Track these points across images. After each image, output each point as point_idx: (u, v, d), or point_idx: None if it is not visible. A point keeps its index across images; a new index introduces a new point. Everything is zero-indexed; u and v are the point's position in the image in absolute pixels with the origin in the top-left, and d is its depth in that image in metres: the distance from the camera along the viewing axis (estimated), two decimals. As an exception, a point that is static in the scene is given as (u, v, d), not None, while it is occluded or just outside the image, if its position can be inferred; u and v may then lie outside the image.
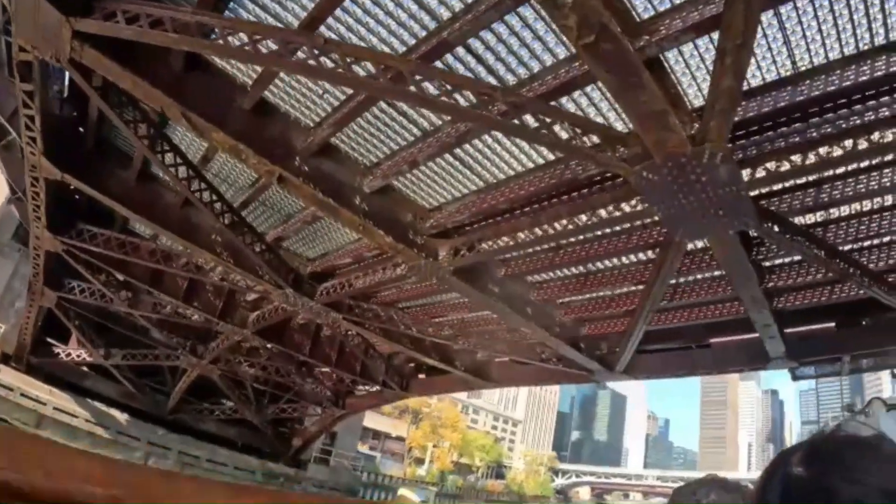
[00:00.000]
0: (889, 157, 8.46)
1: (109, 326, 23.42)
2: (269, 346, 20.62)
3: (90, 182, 12.47)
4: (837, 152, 6.98)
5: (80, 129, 12.77)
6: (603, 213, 8.73)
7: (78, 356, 24.40)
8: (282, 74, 9.45)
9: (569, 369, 15.45)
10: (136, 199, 13.10)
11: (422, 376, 22.38)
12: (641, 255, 11.67)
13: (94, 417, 24.23)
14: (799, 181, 9.19)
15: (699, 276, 12.18)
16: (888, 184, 8.70)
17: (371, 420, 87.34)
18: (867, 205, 9.93)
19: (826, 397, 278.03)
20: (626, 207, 8.43)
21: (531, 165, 9.86)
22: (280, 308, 16.50)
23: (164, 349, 23.43)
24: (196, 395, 26.78)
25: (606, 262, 12.18)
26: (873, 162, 8.53)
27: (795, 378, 15.61)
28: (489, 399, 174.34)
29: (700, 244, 11.03)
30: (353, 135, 10.36)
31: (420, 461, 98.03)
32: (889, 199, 9.80)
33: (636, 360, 15.08)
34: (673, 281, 12.27)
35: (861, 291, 11.47)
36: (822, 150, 7.05)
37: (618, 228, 10.68)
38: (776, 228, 8.50)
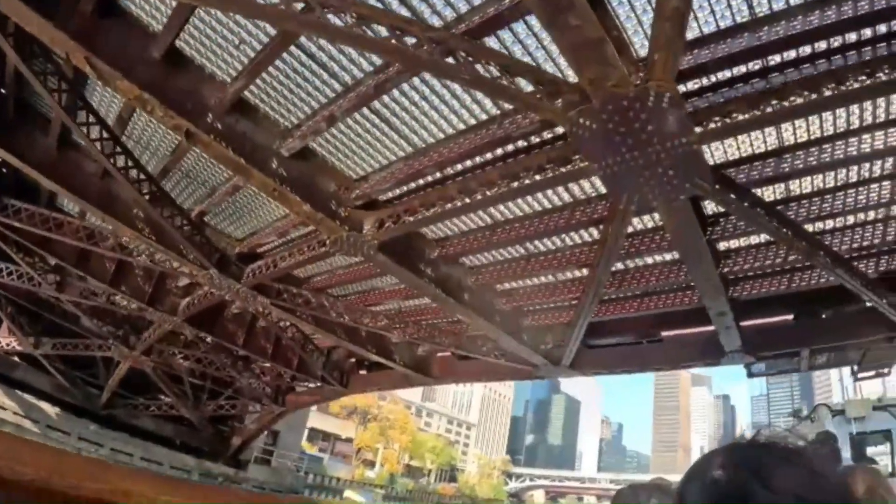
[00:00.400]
0: (854, 126, 7.74)
1: (42, 314, 21.79)
2: (202, 335, 19.22)
3: (10, 149, 11.24)
4: (799, 101, 6.00)
5: (1, 92, 11.60)
6: (539, 177, 7.65)
7: (7, 345, 22.62)
8: (197, 22, 8.46)
9: (513, 364, 14.47)
10: (56, 168, 11.81)
11: (363, 372, 21.24)
12: (585, 235, 10.64)
13: (22, 410, 22.46)
14: (758, 150, 8.42)
15: (649, 261, 11.27)
16: (854, 153, 7.99)
17: (320, 421, 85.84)
18: (830, 181, 9.09)
19: (777, 402, 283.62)
20: (564, 170, 7.36)
21: (462, 127, 8.76)
22: (209, 293, 15.14)
23: (95, 339, 21.63)
24: (131, 390, 25.08)
25: (548, 243, 11.14)
26: (838, 130, 7.82)
27: (751, 375, 14.97)
28: (443, 402, 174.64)
29: (650, 223, 10.10)
30: (272, 92, 9.26)
31: (371, 464, 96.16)
32: (853, 176, 8.95)
33: (584, 355, 14.22)
34: (621, 266, 11.42)
35: (822, 280, 10.86)
36: (784, 100, 6.10)
37: (559, 203, 9.83)
38: (733, 196, 7.51)
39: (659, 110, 5.92)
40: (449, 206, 8.62)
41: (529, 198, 9.86)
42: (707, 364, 13.53)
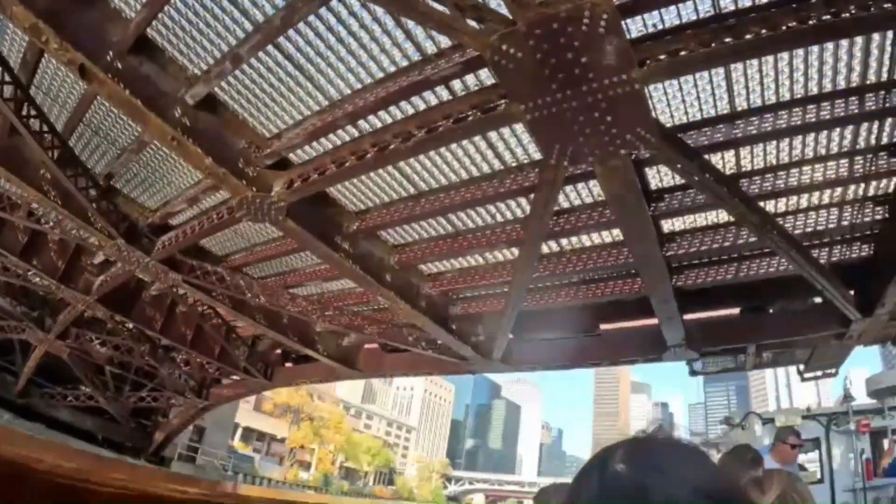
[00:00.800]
0: (813, 91, 7.07)
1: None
2: (123, 322, 17.75)
3: None
4: (754, 36, 5.17)
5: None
6: (459, 126, 6.63)
7: (-87, 326, 20.57)
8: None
9: (442, 357, 13.42)
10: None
11: (289, 365, 19.86)
12: (517, 209, 9.62)
13: (-70, 396, 20.72)
14: (708, 115, 7.59)
15: (586, 242, 10.38)
16: (812, 120, 7.25)
17: (255, 420, 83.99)
18: (784, 156, 8.32)
19: (714, 410, 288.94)
20: (486, 116, 6.34)
21: (380, 75, 7.65)
22: (122, 269, 13.73)
23: (11, 321, 19.77)
24: (50, 378, 23.18)
25: (477, 219, 10.11)
26: (795, 96, 7.15)
27: (693, 373, 14.52)
28: (383, 404, 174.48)
29: (588, 197, 9.19)
30: (180, 33, 8.10)
31: (307, 465, 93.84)
32: (809, 152, 8.21)
33: (516, 349, 13.34)
34: (556, 247, 10.55)
35: (771, 268, 10.17)
36: (738, 38, 5.26)
37: (487, 170, 8.85)
38: (681, 155, 6.58)
39: (595, 36, 4.96)
40: (361, 161, 7.57)
41: (456, 164, 8.89)
42: (648, 359, 12.69)
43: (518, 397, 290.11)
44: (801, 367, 14.12)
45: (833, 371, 14.14)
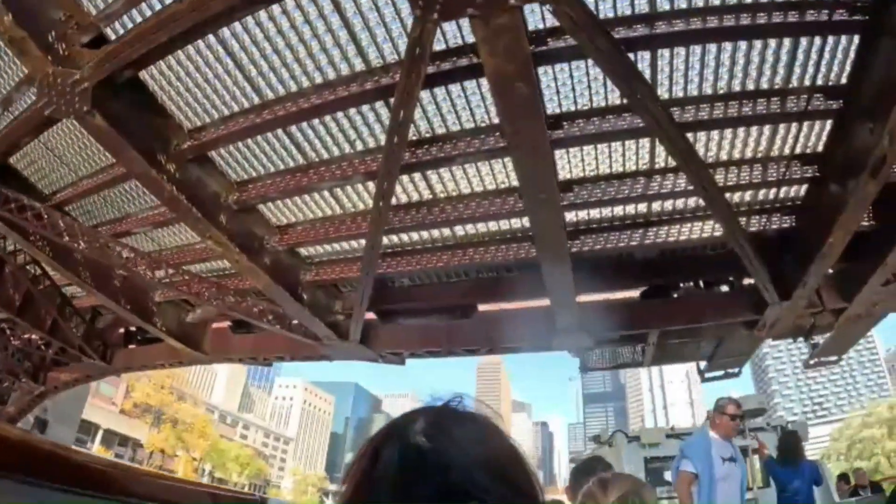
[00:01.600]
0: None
1: None
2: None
3: None
4: None
5: None
6: None
7: None
8: None
9: (294, 337, 11.18)
10: None
11: (133, 347, 16.74)
12: (375, 125, 7.55)
13: None
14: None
15: (465, 189, 8.51)
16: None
17: (116, 421, 78.20)
18: (709, 82, 6.84)
19: (593, 430, 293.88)
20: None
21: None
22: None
23: None
24: None
25: (331, 146, 8.01)
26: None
27: (585, 369, 13.82)
28: (261, 414, 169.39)
29: (469, 121, 7.29)
30: None
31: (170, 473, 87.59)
32: (736, 85, 6.85)
33: (378, 331, 11.49)
34: (428, 193, 8.57)
35: (682, 237, 8.98)
36: None
37: (346, 71, 6.83)
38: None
39: None
40: (180, 28, 5.66)
41: (309, 63, 6.81)
42: (534, 347, 11.06)
43: (399, 412, 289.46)
44: (704, 364, 13.08)
45: (737, 371, 13.22)
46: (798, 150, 7.61)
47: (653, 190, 7.88)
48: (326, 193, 8.86)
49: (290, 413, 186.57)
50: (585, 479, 3.85)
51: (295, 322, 10.63)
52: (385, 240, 9.10)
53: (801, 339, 11.14)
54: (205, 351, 13.80)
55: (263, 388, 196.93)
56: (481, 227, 9.06)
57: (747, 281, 9.85)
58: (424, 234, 9.45)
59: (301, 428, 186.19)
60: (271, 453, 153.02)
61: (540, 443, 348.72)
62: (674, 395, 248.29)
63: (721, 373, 13.27)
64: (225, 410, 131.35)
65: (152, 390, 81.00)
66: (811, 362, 12.10)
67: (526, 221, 8.45)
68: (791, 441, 10.79)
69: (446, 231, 9.31)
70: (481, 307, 10.94)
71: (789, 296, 8.41)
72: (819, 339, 11.13)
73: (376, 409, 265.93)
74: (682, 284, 10.44)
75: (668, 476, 14.64)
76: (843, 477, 16.75)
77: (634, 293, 10.44)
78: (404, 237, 9.58)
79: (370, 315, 11.20)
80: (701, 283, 10.46)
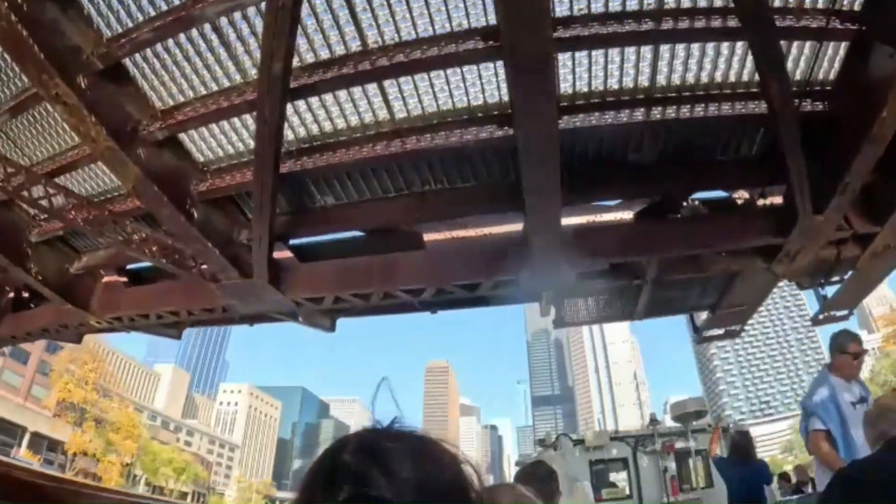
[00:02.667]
0: None
1: None
2: None
3: None
4: None
5: None
6: None
7: None
8: None
9: (195, 282, 8.99)
10: None
11: (22, 313, 13.64)
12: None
13: None
14: None
15: (406, 34, 6.32)
16: None
17: (44, 423, 73.48)
18: None
19: (542, 432, 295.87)
20: None
21: None
22: None
23: None
24: None
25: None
26: None
27: (562, 323, 12.06)
28: (205, 420, 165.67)
29: None
30: None
31: (97, 478, 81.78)
32: None
33: (297, 272, 9.07)
34: (356, 45, 6.25)
35: (696, 114, 7.25)
36: None
37: None
38: None
39: None
40: None
41: None
42: (497, 284, 8.48)
43: (347, 417, 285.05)
44: (703, 320, 11.78)
45: (738, 328, 12.06)
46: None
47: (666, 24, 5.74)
48: (222, 53, 6.47)
49: (236, 419, 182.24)
50: (530, 479, 4.15)
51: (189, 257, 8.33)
52: (297, 122, 6.79)
53: (812, 292, 10.06)
54: (93, 310, 11.12)
55: (207, 393, 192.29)
56: (428, 102, 6.84)
57: (762, 202, 8.39)
58: (352, 116, 7.07)
59: (247, 434, 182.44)
60: (217, 460, 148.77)
61: (489, 446, 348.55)
62: (623, 396, 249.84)
63: (721, 331, 12.04)
64: (168, 417, 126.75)
65: (74, 385, 76.19)
66: (820, 317, 10.59)
67: (492, 91, 6.41)
68: (742, 441, 10.38)
69: (382, 112, 6.94)
70: (429, 237, 8.63)
71: (822, 209, 7.16)
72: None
73: (324, 414, 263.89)
74: (684, 203, 8.51)
75: (612, 477, 15.47)
76: (783, 476, 17.48)
77: (627, 215, 8.34)
78: (325, 124, 7.21)
79: (286, 253, 9.04)
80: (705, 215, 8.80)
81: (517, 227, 8.13)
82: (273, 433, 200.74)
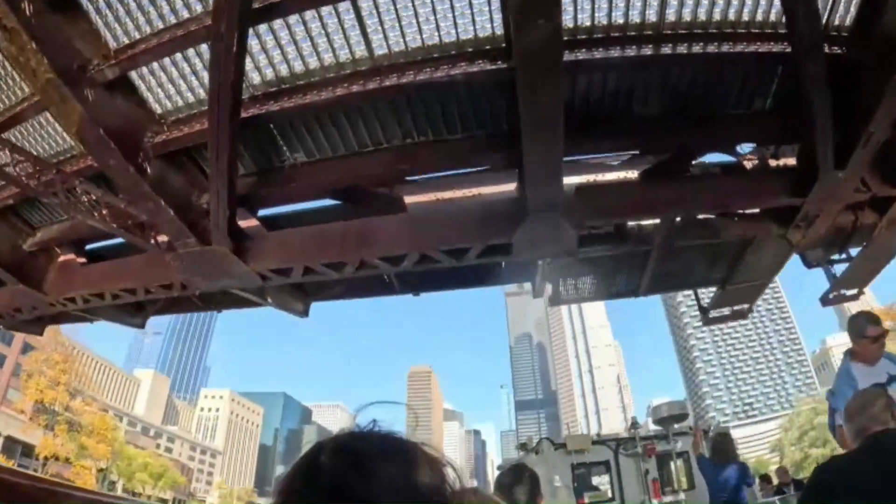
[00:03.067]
0: None
1: None
2: None
3: None
4: None
5: None
6: None
7: None
8: None
9: (150, 254, 8.27)
10: None
11: None
12: None
13: None
14: None
15: None
16: None
17: (13, 426, 71.72)
18: None
19: (525, 437, 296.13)
20: None
21: None
22: None
23: None
24: None
25: None
26: None
27: (558, 301, 11.31)
28: (186, 426, 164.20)
29: None
30: None
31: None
32: None
33: (263, 242, 8.13)
34: None
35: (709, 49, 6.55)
36: None
37: None
38: None
39: None
40: None
41: None
42: (488, 248, 7.65)
43: (330, 423, 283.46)
44: (711, 299, 11.12)
45: (747, 307, 11.42)
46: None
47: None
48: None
49: (217, 425, 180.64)
50: (509, 487, 4.15)
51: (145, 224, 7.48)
52: (264, 61, 6.03)
53: (825, 266, 9.74)
54: (45, 291, 10.31)
55: (188, 399, 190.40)
56: (412, 36, 6.16)
57: (775, 163, 7.83)
58: (325, 53, 6.30)
59: (228, 440, 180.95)
60: (198, 467, 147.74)
61: (472, 451, 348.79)
62: (606, 400, 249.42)
63: (728, 311, 11.38)
64: (148, 423, 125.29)
65: (46, 387, 74.41)
66: (831, 296, 10.22)
67: (483, 23, 5.91)
68: (722, 442, 10.39)
69: (360, 48, 6.18)
70: (411, 199, 7.81)
71: (843, 164, 6.72)
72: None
73: (306, 420, 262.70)
74: (693, 162, 7.71)
75: (595, 481, 15.69)
76: (764, 478, 17.93)
77: (632, 174, 7.60)
78: (295, 63, 6.43)
79: (252, 222, 8.21)
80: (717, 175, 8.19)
81: (510, 186, 7.40)
82: (255, 439, 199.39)
